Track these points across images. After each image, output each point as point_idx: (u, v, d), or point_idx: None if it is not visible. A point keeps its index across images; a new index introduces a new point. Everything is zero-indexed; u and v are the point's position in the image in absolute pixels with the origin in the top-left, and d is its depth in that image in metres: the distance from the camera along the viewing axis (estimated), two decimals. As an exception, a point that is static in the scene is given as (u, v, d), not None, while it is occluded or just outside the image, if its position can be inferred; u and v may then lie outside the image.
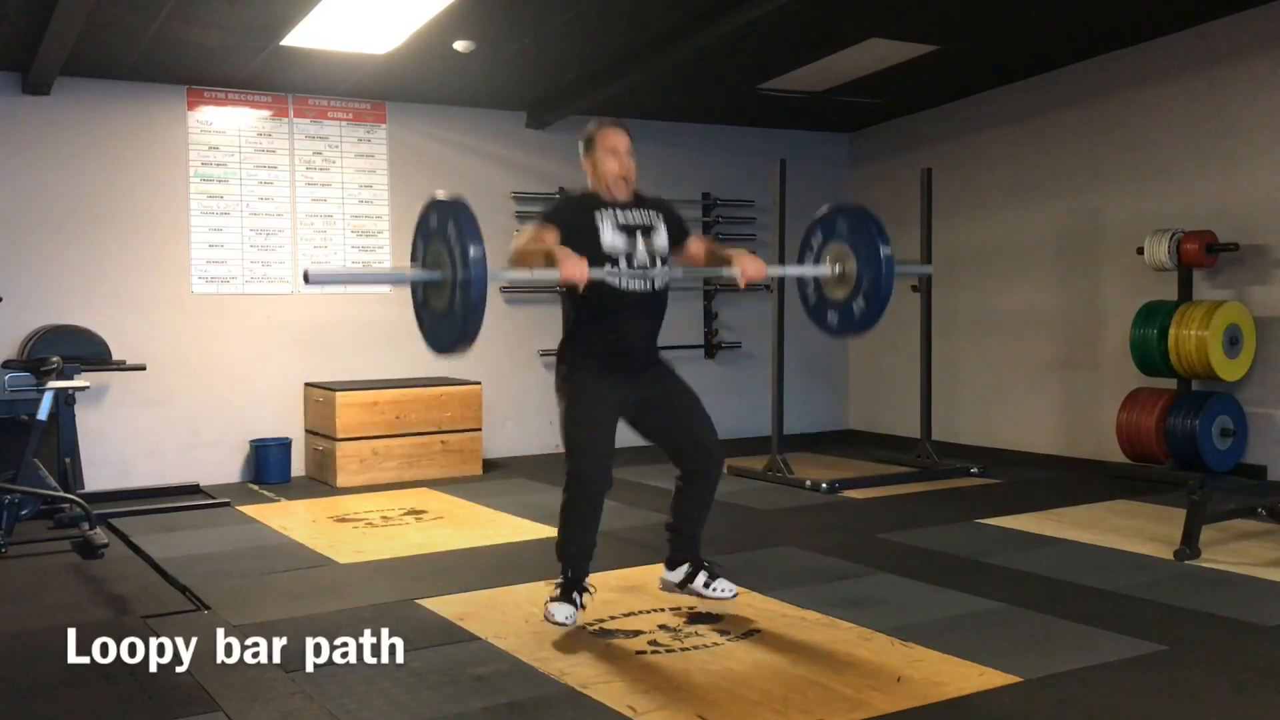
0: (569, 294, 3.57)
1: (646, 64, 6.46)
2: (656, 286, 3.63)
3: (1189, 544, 4.47)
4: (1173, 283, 6.50)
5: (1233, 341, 6.20)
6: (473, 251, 3.04)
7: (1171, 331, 6.28)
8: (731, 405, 8.51)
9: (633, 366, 3.62)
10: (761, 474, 6.71)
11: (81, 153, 6.71)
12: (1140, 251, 6.58)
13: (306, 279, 3.20)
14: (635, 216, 3.62)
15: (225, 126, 7.11)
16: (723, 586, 3.73)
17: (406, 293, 8.39)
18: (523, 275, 3.36)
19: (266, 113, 7.24)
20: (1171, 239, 6.40)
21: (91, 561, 4.69)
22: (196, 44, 6.05)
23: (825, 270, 3.78)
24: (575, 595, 3.57)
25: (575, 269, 3.30)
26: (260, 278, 7.20)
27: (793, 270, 3.83)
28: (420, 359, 7.67)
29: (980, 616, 3.74)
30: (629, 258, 3.56)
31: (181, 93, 6.98)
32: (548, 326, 8.09)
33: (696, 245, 3.71)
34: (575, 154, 8.51)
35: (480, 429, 7.24)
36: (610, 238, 3.54)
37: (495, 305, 7.90)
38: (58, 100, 6.62)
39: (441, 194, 3.24)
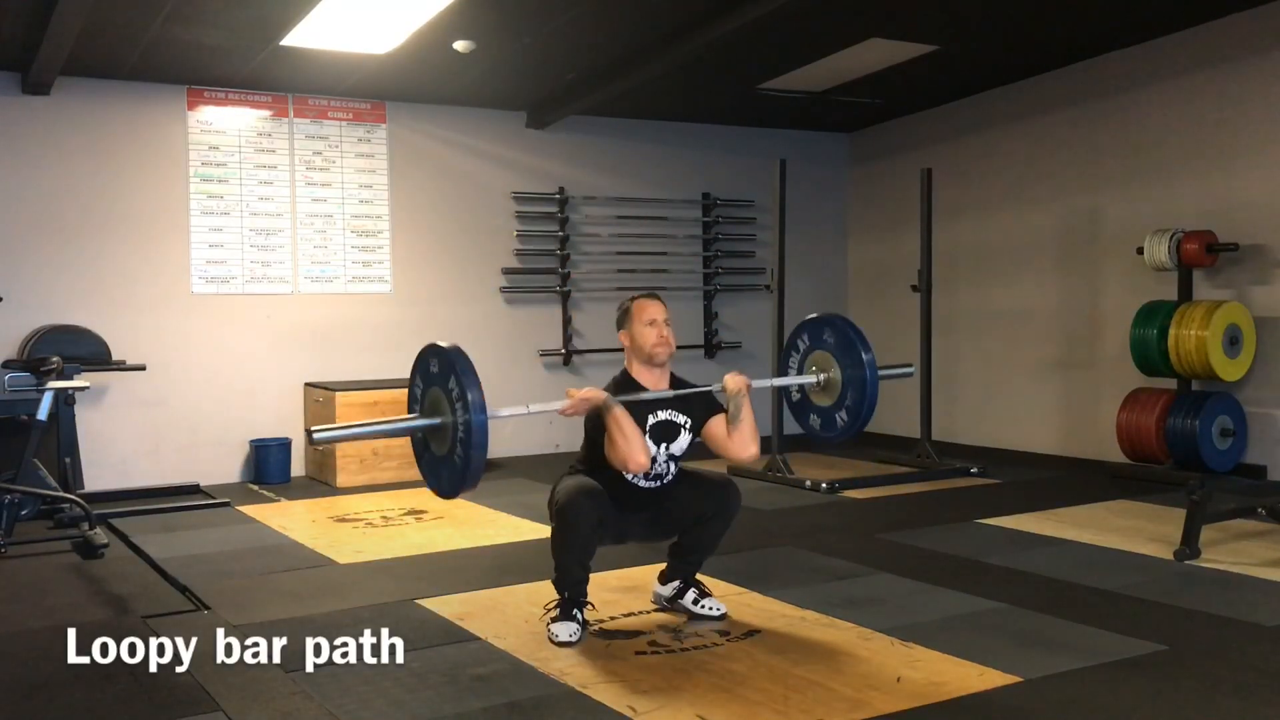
0: (590, 433, 3.66)
1: (646, 64, 6.46)
2: (664, 485, 3.69)
3: (1189, 544, 4.47)
4: (1173, 283, 6.50)
5: (1233, 341, 6.19)
6: (473, 397, 3.09)
7: (1171, 331, 6.28)
8: (731, 405, 8.52)
9: (638, 509, 3.68)
10: (761, 474, 6.70)
11: (81, 153, 6.71)
12: (1140, 251, 6.58)
13: (310, 439, 3.19)
14: (665, 416, 3.64)
15: (225, 126, 7.11)
16: (712, 604, 3.73)
17: (406, 293, 8.38)
18: (519, 411, 3.43)
19: (266, 113, 7.24)
20: (1171, 239, 6.40)
21: (91, 561, 4.69)
22: (196, 44, 6.06)
23: (811, 379, 3.84)
24: (576, 611, 3.57)
25: (581, 396, 3.45)
26: (260, 278, 7.20)
27: (778, 381, 3.92)
28: (420, 359, 7.67)
29: (980, 616, 3.74)
30: (651, 461, 3.60)
31: (181, 93, 6.98)
32: (548, 326, 8.10)
33: (718, 424, 3.68)
34: (574, 154, 8.57)
35: (480, 429, 7.22)
36: (650, 445, 3.58)
37: (495, 305, 7.91)
38: (58, 100, 6.62)
39: (442, 343, 3.26)
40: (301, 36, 5.92)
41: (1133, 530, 5.08)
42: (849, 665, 3.24)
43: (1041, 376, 7.65)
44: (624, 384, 3.66)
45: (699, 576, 3.83)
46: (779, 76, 7.20)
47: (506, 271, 7.93)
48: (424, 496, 6.38)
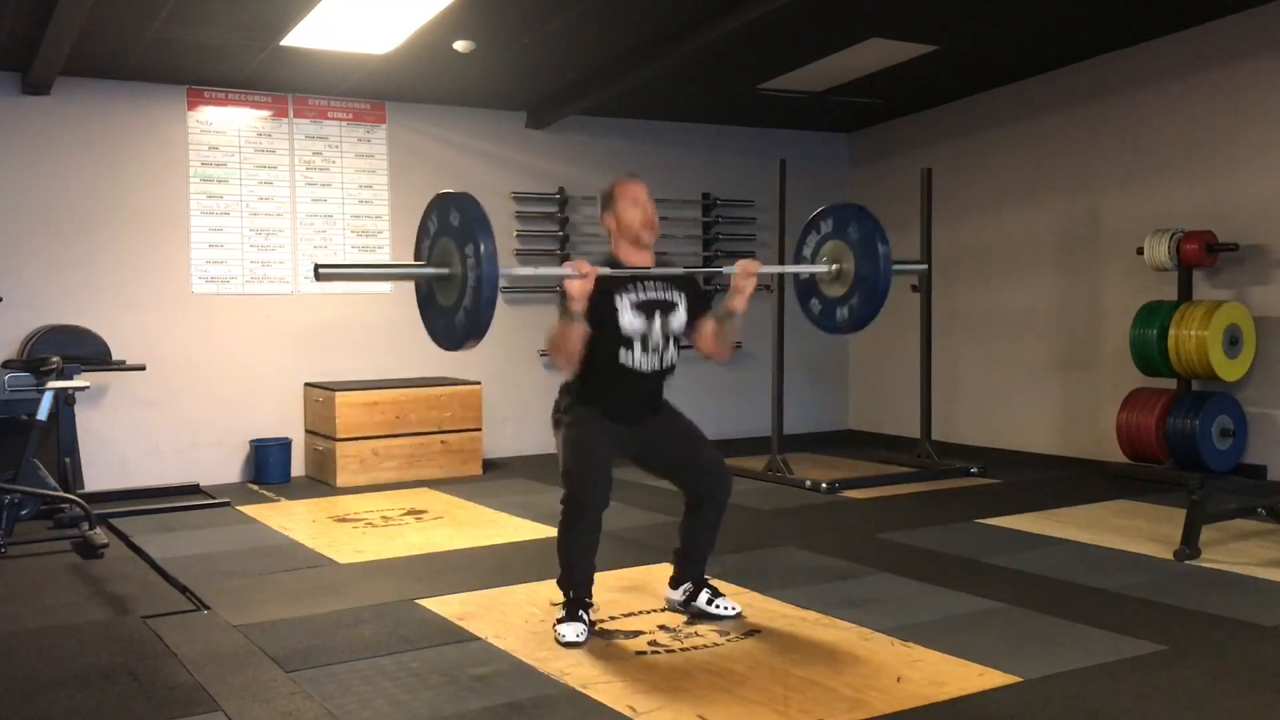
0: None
1: (646, 64, 6.46)
2: (665, 365, 3.65)
3: (1189, 544, 4.47)
4: (1173, 283, 6.50)
5: (1233, 341, 6.19)
6: (484, 247, 3.03)
7: (1171, 331, 6.28)
8: (731, 405, 8.53)
9: (636, 418, 3.66)
10: (761, 474, 6.71)
11: (81, 153, 6.71)
12: (1140, 251, 6.58)
13: (317, 274, 3.13)
14: (655, 293, 3.60)
15: (225, 126, 7.11)
16: (726, 604, 3.73)
17: (407, 293, 8.38)
18: (528, 272, 3.40)
19: (266, 113, 7.24)
20: (1171, 239, 6.40)
21: (91, 561, 4.69)
22: (196, 44, 6.06)
23: (822, 268, 3.85)
24: (581, 613, 3.58)
25: (574, 268, 3.38)
26: (260, 278, 7.20)
27: (791, 268, 3.88)
28: (420, 359, 7.68)
29: (980, 616, 3.74)
30: (644, 338, 3.58)
31: (181, 93, 6.98)
32: (548, 326, 8.10)
33: (705, 322, 3.70)
34: (575, 153, 8.56)
35: (480, 429, 7.24)
36: (629, 320, 3.56)
37: (496, 305, 7.89)
38: (58, 100, 6.62)
39: (449, 191, 3.24)
40: (301, 36, 5.92)
41: (1133, 530, 5.08)
42: (849, 665, 3.24)
43: (1041, 376, 7.65)
44: (611, 264, 3.59)
45: (708, 578, 3.83)
46: (779, 76, 7.20)
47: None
48: (424, 496, 6.39)
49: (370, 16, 5.61)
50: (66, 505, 5.22)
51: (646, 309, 3.57)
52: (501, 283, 3.09)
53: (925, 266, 4.26)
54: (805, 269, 3.90)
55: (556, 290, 3.55)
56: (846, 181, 9.23)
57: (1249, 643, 3.40)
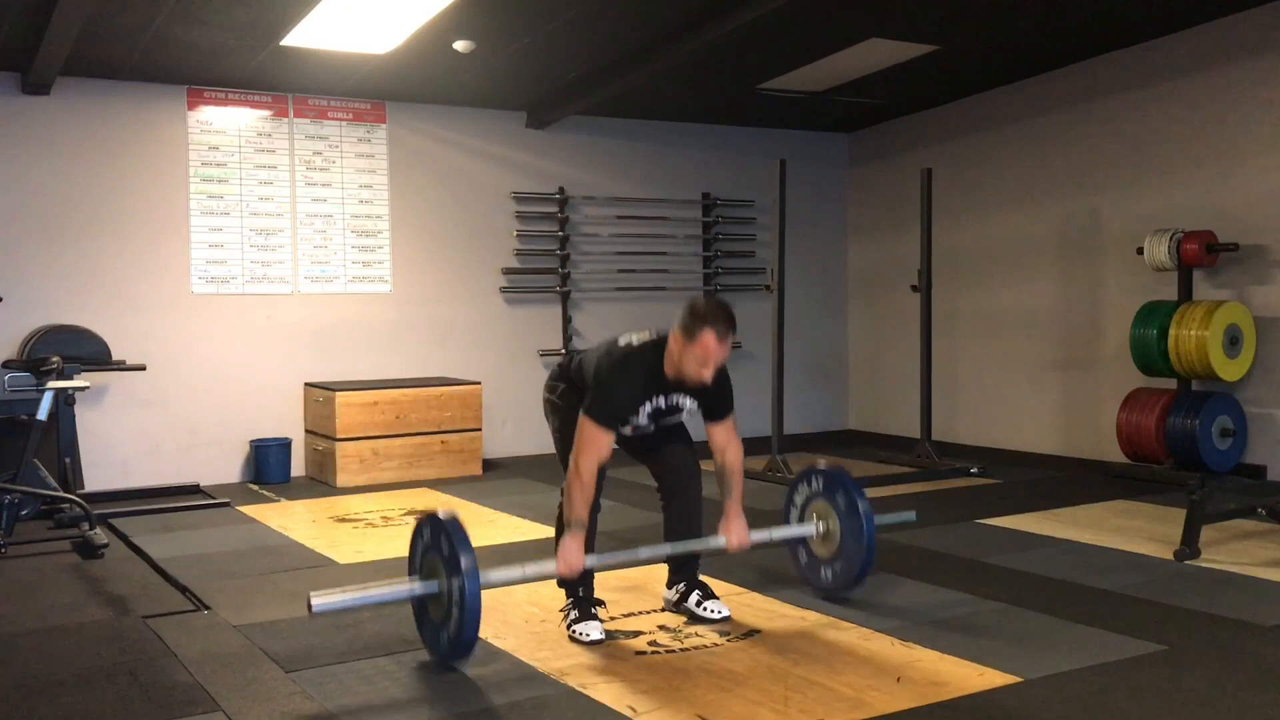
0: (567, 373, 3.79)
1: (646, 64, 6.46)
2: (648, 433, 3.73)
3: (1189, 544, 4.47)
4: (1173, 283, 6.50)
5: (1233, 341, 6.19)
6: (464, 562, 3.12)
7: (1171, 331, 6.28)
8: (731, 405, 8.52)
9: None
10: (761, 474, 6.71)
11: (81, 153, 6.71)
12: (1140, 251, 6.58)
13: (310, 610, 3.11)
14: (670, 401, 3.64)
15: (225, 126, 7.11)
16: (714, 606, 3.74)
17: (406, 293, 8.39)
18: (514, 574, 3.46)
19: (266, 113, 7.24)
20: (1171, 239, 6.40)
21: (91, 561, 4.70)
22: (196, 44, 6.06)
23: (810, 530, 3.93)
24: (593, 610, 3.60)
25: (567, 565, 3.44)
26: (260, 278, 7.20)
27: (779, 533, 3.97)
28: (420, 359, 7.69)
29: (980, 616, 3.74)
30: (641, 429, 3.68)
31: (181, 93, 6.98)
32: (548, 326, 8.10)
33: (721, 436, 3.74)
34: (574, 154, 8.55)
35: (480, 429, 7.24)
36: (641, 420, 3.62)
37: (495, 305, 7.91)
38: (58, 100, 6.62)
39: (441, 512, 3.30)
40: (301, 36, 5.92)
41: (1133, 530, 5.08)
42: (849, 665, 3.24)
43: (1041, 376, 7.65)
44: (654, 365, 3.54)
45: (702, 577, 3.84)
46: (779, 76, 7.20)
47: (506, 271, 7.92)
48: (424, 496, 6.39)
49: (370, 16, 5.61)
50: (66, 505, 5.22)
51: (656, 417, 3.64)
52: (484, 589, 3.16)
53: (913, 516, 4.39)
54: (794, 532, 3.98)
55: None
56: (846, 181, 9.23)
57: (1249, 643, 3.40)
